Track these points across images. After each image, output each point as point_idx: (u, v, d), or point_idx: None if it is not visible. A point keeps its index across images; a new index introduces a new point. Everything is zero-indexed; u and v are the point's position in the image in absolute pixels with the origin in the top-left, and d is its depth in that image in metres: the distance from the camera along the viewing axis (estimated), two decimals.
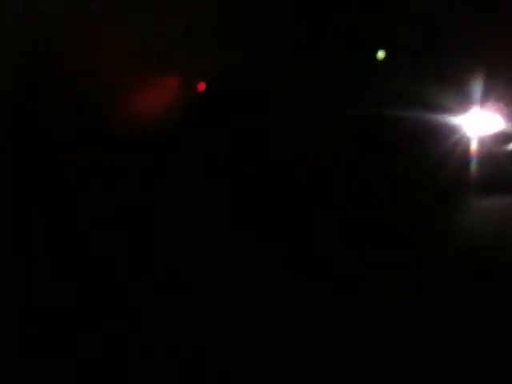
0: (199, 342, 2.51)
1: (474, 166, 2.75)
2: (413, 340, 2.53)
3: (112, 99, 2.72)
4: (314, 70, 2.77)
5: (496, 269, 2.59)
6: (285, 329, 2.55)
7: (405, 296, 2.58)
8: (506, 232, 2.67)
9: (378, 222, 2.67)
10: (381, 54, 2.70)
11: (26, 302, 2.55)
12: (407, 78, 2.75)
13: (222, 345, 2.50)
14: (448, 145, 2.73)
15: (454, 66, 2.73)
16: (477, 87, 2.73)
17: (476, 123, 2.78)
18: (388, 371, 2.48)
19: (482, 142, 2.78)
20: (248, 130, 2.73)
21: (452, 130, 2.75)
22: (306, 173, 2.73)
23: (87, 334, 2.51)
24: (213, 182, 2.72)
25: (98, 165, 2.72)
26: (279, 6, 2.78)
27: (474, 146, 2.77)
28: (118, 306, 2.55)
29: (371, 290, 2.59)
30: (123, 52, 2.72)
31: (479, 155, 2.75)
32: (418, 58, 2.76)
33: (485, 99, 2.75)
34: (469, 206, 2.73)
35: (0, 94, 2.70)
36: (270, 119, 2.75)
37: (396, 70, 2.77)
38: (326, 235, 2.67)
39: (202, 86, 2.81)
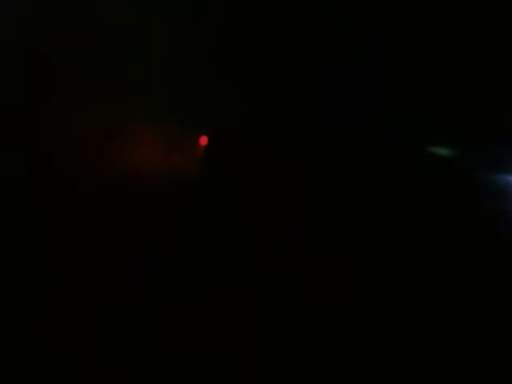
0: (199, 343, 2.52)
1: None
2: (413, 341, 2.54)
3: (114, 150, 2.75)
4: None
5: None
6: (284, 330, 2.56)
7: (405, 299, 2.59)
8: None
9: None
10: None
11: (27, 301, 2.56)
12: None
13: (222, 345, 2.51)
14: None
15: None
16: None
17: None
18: (388, 372, 2.49)
19: None
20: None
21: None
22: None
23: (87, 333, 2.51)
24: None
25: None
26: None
27: None
28: (117, 306, 2.56)
29: (372, 292, 2.60)
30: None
31: None
32: None
33: None
34: None
35: None
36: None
37: None
38: (330, 238, 2.67)
39: (204, 140, 2.82)
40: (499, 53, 2.70)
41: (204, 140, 2.79)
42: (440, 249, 2.63)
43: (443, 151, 2.73)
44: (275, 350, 2.52)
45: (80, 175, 2.72)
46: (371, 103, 2.78)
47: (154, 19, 2.78)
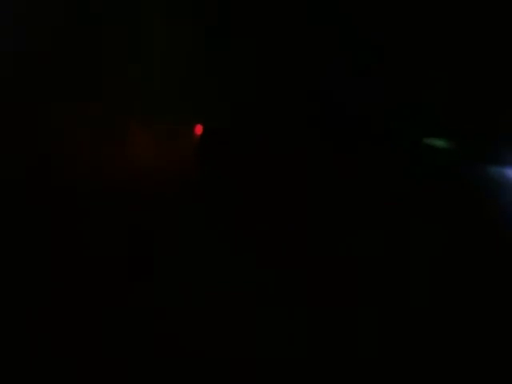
0: (199, 343, 2.51)
1: None
2: (413, 341, 2.53)
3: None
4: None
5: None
6: (284, 330, 2.56)
7: (405, 298, 2.59)
8: None
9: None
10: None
11: (27, 301, 2.56)
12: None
13: (222, 345, 2.51)
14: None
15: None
16: None
17: None
18: (388, 372, 2.49)
19: None
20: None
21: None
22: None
23: (87, 333, 2.51)
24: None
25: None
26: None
27: None
28: (117, 306, 2.56)
29: (372, 292, 2.60)
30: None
31: None
32: None
33: None
34: None
35: None
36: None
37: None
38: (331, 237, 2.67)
39: (199, 130, 2.80)
40: (499, 53, 2.70)
41: (199, 129, 2.79)
42: (440, 249, 2.63)
43: (442, 144, 2.73)
44: (275, 350, 2.52)
45: (80, 175, 2.72)
46: (371, 103, 2.78)
47: (153, 19, 2.78)
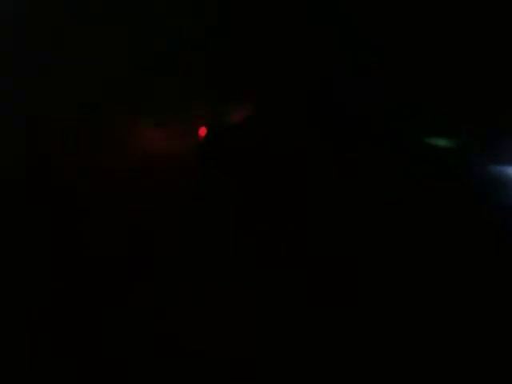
0: (199, 343, 2.52)
1: None
2: (413, 341, 2.54)
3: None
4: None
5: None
6: (284, 330, 2.56)
7: (405, 298, 2.59)
8: None
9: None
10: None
11: (27, 301, 2.56)
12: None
13: (222, 345, 2.51)
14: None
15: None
16: None
17: None
18: (388, 372, 2.49)
19: None
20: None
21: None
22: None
23: (87, 333, 2.52)
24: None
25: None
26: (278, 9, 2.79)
27: None
28: (118, 306, 2.56)
29: (372, 292, 2.60)
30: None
31: None
32: None
33: None
34: None
35: None
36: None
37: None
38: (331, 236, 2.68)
39: (203, 132, 2.81)
40: (499, 52, 2.71)
41: (203, 131, 2.79)
42: (440, 249, 2.63)
43: (443, 143, 2.73)
44: (275, 349, 2.52)
45: (80, 175, 2.73)
46: (371, 103, 2.78)
47: (153, 19, 2.78)
